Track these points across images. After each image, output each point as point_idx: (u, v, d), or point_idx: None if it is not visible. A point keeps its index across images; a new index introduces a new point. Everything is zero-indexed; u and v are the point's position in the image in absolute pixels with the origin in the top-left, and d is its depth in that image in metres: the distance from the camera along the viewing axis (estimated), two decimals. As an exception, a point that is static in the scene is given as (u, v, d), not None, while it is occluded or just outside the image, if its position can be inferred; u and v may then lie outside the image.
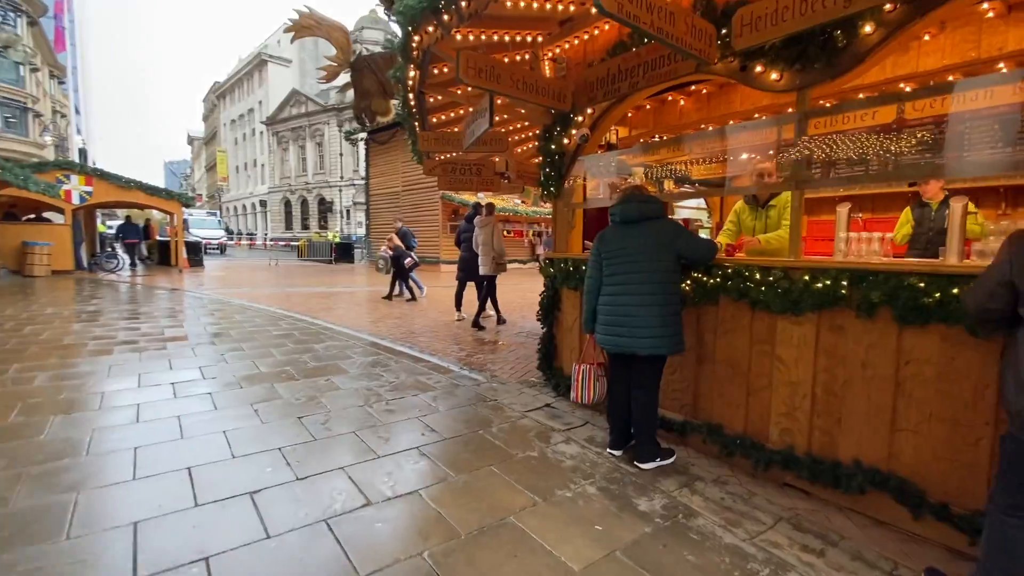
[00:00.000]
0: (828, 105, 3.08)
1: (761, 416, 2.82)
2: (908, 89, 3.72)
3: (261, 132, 47.87)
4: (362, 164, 35.33)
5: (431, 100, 4.76)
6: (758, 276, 2.74)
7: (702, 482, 2.70)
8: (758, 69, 2.68)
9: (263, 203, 48.01)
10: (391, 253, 9.90)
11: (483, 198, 23.60)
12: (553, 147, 4.02)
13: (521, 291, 11.93)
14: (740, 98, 4.92)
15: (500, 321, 7.62)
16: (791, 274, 2.63)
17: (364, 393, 4.05)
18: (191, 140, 78.95)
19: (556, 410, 3.81)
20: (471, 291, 7.85)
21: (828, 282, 2.48)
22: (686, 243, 2.81)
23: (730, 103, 4.99)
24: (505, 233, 20.60)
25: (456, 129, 5.07)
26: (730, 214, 4.07)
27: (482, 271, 7.17)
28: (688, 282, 3.04)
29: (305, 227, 42.70)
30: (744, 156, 3.03)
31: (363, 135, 21.78)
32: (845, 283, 2.43)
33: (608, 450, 3.01)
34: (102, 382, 4.17)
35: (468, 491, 2.54)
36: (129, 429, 3.20)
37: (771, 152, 2.89)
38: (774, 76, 2.64)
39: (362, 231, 37.48)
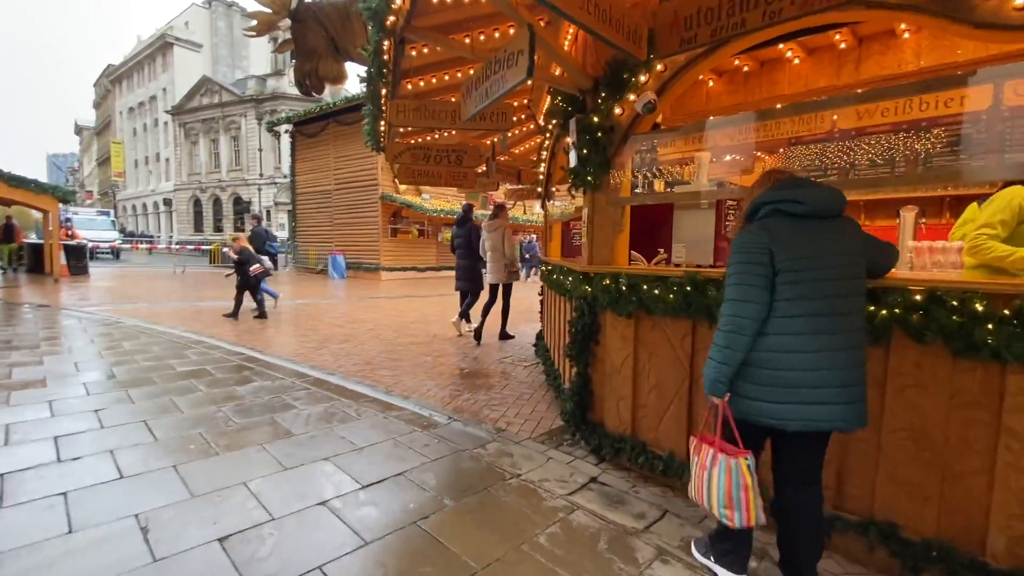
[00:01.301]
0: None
1: (969, 514, 1.89)
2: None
3: (166, 123, 42.78)
4: (285, 160, 32.38)
5: (413, 53, 3.50)
6: (978, 307, 1.80)
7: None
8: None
9: (167, 202, 42.89)
10: (235, 257, 7.77)
11: (488, 196, 22.01)
12: (596, 120, 2.92)
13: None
14: (788, 78, 4.11)
15: (477, 337, 6.49)
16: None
17: (319, 476, 2.72)
18: (79, 130, 69.61)
19: (610, 488, 2.70)
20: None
21: None
22: (875, 247, 1.81)
23: (774, 84, 4.17)
24: (445, 238, 19.32)
25: (452, 98, 3.83)
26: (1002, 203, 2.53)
27: (491, 279, 6.50)
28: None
29: (218, 229, 38.53)
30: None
31: (287, 127, 19.56)
32: None
33: (736, 576, 1.93)
34: None
35: None
36: None
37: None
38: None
39: (284, 233, 34.49)
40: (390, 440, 3.23)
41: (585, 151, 2.99)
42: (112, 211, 37.42)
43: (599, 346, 3.08)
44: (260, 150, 36.03)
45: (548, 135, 4.75)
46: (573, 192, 3.28)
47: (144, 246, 27.24)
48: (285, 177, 33.86)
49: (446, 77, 3.90)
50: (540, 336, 5.96)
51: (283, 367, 4.97)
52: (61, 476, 2.60)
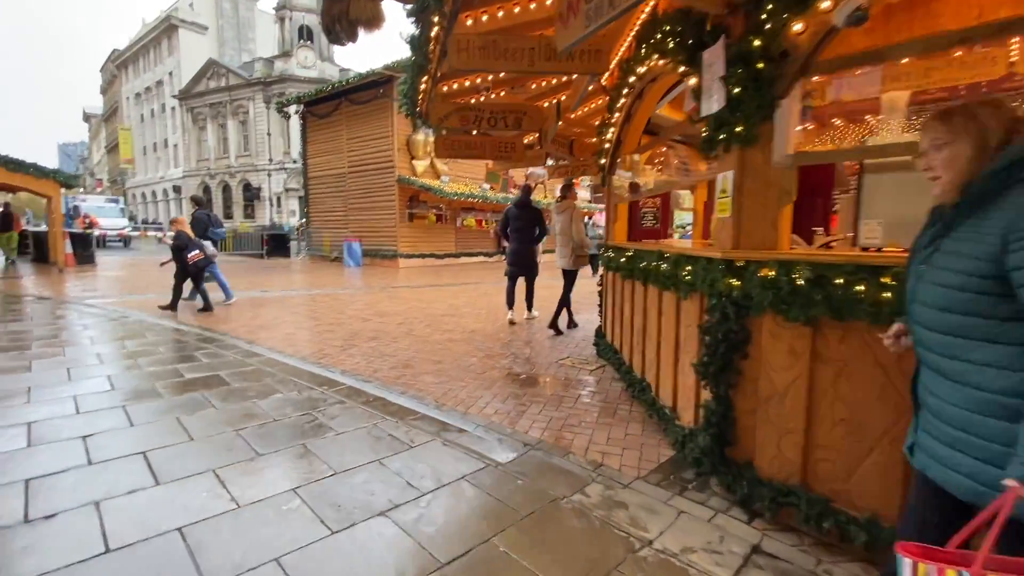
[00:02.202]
0: None
1: None
2: None
3: (173, 108, 42.06)
4: (295, 145, 31.55)
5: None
6: None
7: None
8: None
9: (177, 189, 42.38)
10: (172, 243, 6.95)
11: (538, 174, 21.10)
12: (757, 44, 2.07)
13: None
14: (952, 7, 3.20)
15: (555, 327, 6.03)
16: None
17: (378, 545, 1.95)
18: (87, 117, 69.22)
19: (787, 565, 1.91)
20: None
21: None
22: None
23: (932, 17, 3.26)
24: (463, 223, 18.48)
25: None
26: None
27: (560, 264, 6.04)
28: None
29: (228, 216, 37.99)
30: None
31: (296, 107, 18.69)
32: None
33: None
34: None
35: None
36: None
37: None
38: None
39: (294, 220, 33.82)
40: (460, 481, 2.46)
41: (739, 90, 2.14)
42: (122, 199, 37.03)
43: (749, 361, 2.27)
44: (269, 134, 35.26)
45: (626, 91, 3.89)
46: (708, 152, 2.43)
47: (153, 234, 26.70)
48: (295, 162, 33.10)
49: (516, 9, 3.04)
50: (600, 333, 5.16)
51: (309, 372, 4.22)
52: (27, 550, 1.86)
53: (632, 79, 3.67)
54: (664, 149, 5.98)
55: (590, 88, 3.75)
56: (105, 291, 8.97)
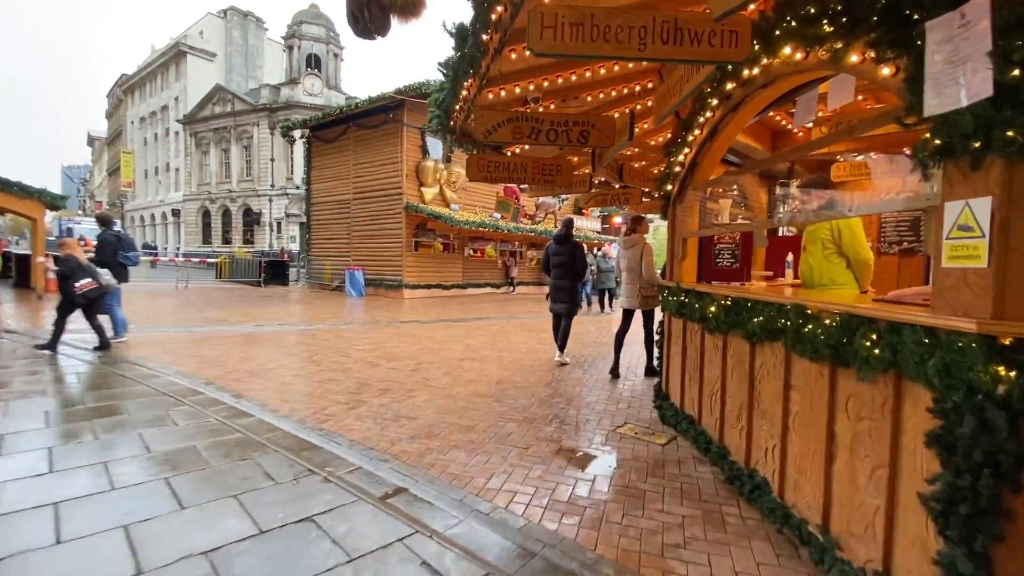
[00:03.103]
0: None
1: None
2: None
3: (177, 132, 41.98)
4: (298, 171, 31.14)
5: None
6: None
7: None
8: None
9: (176, 212, 41.84)
10: (53, 268, 6.02)
11: (549, 204, 20.49)
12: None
13: (533, 331, 9.03)
14: None
15: (620, 374, 5.62)
16: None
17: None
18: (91, 141, 69.43)
19: None
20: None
21: None
22: None
23: None
24: (472, 252, 17.77)
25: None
26: None
27: (625, 304, 5.61)
28: None
29: (227, 241, 37.35)
30: None
31: (302, 132, 18.21)
32: None
33: None
34: None
35: None
36: None
37: None
38: None
39: (295, 246, 33.14)
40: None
41: (1019, 72, 1.35)
42: (119, 221, 36.36)
43: (1034, 502, 1.40)
44: (272, 160, 34.98)
45: (715, 102, 3.15)
46: (928, 171, 1.63)
47: (146, 258, 25.92)
48: (298, 188, 32.66)
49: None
50: (663, 394, 4.28)
51: (309, 443, 3.32)
52: None
53: (730, 85, 2.93)
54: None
55: (684, 95, 2.98)
56: (82, 324, 8.07)
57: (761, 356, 2.77)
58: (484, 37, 2.54)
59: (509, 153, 4.64)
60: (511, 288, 18.71)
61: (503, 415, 4.13)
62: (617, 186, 5.79)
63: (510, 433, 3.72)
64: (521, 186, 20.00)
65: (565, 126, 3.22)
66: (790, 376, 2.50)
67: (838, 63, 2.08)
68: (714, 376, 3.34)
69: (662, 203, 4.35)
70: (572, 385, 5.21)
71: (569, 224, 6.19)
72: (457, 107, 3.50)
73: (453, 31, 2.81)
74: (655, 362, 5.76)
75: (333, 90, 35.74)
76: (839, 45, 2.02)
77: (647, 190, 6.10)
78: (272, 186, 35.19)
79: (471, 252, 17.41)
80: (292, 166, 34.47)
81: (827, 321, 2.15)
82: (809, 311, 2.28)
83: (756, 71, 2.68)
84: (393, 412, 4.11)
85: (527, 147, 4.59)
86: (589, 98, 3.88)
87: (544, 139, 3.20)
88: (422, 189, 15.42)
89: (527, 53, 2.76)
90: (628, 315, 5.71)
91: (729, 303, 3.03)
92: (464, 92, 3.26)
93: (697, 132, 3.52)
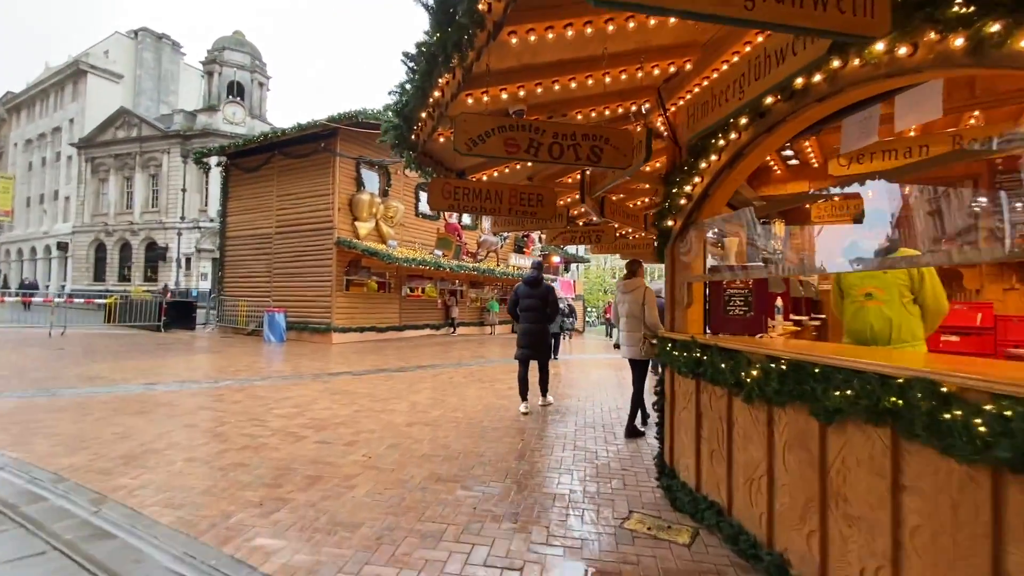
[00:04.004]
0: None
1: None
2: None
3: (70, 157, 37.54)
4: (214, 202, 28.51)
5: None
6: None
7: None
8: None
9: (63, 246, 36.88)
10: None
11: (491, 242, 19.87)
12: None
13: (485, 380, 8.10)
14: None
15: (634, 433, 5.01)
16: None
17: None
18: (-38, 163, 60.69)
19: None
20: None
21: None
22: None
23: None
24: (410, 292, 16.66)
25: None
26: None
27: (627, 354, 5.06)
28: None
29: (125, 278, 33.26)
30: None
31: (219, 159, 16.55)
32: None
33: None
34: None
35: None
36: None
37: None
38: None
39: (206, 284, 30.03)
40: None
41: None
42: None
43: None
44: (184, 190, 31.98)
45: (744, 120, 2.59)
46: None
47: (12, 299, 22.19)
48: (212, 220, 29.89)
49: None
50: (669, 471, 3.53)
51: (197, 595, 2.20)
52: None
53: (769, 100, 2.37)
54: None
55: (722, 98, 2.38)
56: None
57: (841, 440, 2.11)
58: (481, 6, 1.80)
59: (483, 178, 3.89)
60: (451, 329, 17.67)
61: (476, 510, 3.18)
62: (594, 220, 5.21)
63: (493, 540, 2.79)
64: (484, 220, 19.33)
65: (572, 140, 2.51)
66: (901, 474, 1.84)
67: (983, 55, 1.53)
68: (754, 458, 2.64)
69: (656, 241, 3.75)
70: (546, 452, 4.36)
71: (540, 266, 6.04)
72: (424, 114, 2.71)
73: (429, 3, 2.05)
74: (648, 419, 5.30)
75: (257, 119, 33.76)
76: (995, 28, 1.47)
77: (618, 227, 5.60)
78: (182, 218, 32.04)
79: (409, 291, 16.29)
80: (207, 197, 31.75)
81: (989, 407, 1.52)
82: (947, 389, 1.64)
83: (819, 76, 2.13)
84: (327, 517, 3.03)
85: (511, 168, 3.89)
86: (580, 116, 3.25)
87: (546, 155, 2.48)
88: (356, 224, 14.26)
89: (530, 38, 2.05)
90: (635, 364, 5.11)
91: (785, 367, 2.37)
92: (436, 93, 2.49)
93: (714, 157, 2.95)
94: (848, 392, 2.01)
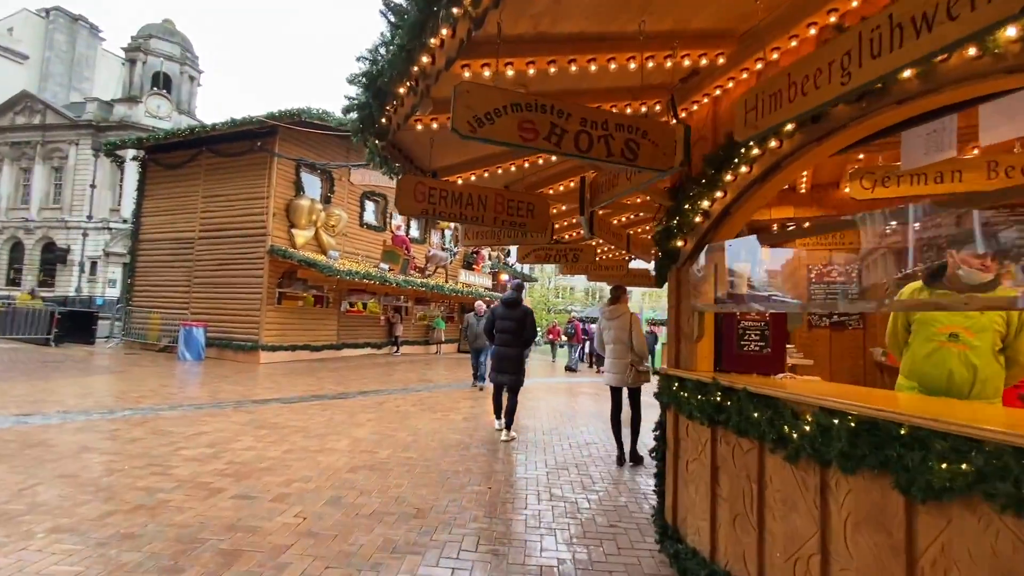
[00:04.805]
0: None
1: None
2: None
3: (-47, 142, 32.88)
4: (128, 202, 25.72)
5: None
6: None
7: None
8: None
9: (-63, 242, 31.96)
10: None
11: (440, 257, 19.07)
12: None
13: (434, 408, 7.33)
14: None
15: (634, 459, 4.96)
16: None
17: None
18: None
19: None
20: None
21: None
22: None
23: None
24: (350, 307, 15.52)
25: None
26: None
27: (614, 381, 4.94)
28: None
29: (13, 283, 29.21)
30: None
31: (136, 152, 14.83)
32: None
33: None
34: None
35: None
36: None
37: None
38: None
39: (114, 292, 26.95)
40: None
41: None
42: None
43: None
44: (93, 186, 28.80)
45: (788, 128, 2.18)
46: None
47: None
48: (126, 222, 26.94)
49: None
50: (672, 533, 3.01)
51: None
52: None
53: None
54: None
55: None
56: None
57: (940, 522, 1.67)
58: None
59: (458, 181, 3.27)
60: (395, 348, 16.62)
61: (448, 598, 2.49)
62: (566, 238, 4.73)
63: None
64: (433, 235, 18.39)
65: (604, 129, 1.95)
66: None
67: None
68: (800, 531, 2.17)
69: (658, 263, 3.29)
70: (520, 505, 3.73)
71: (520, 287, 5.82)
72: (403, 89, 2.09)
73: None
74: (623, 455, 4.98)
75: (185, 115, 31.20)
76: None
77: (600, 246, 5.17)
78: (89, 218, 28.77)
79: (349, 307, 15.15)
80: (120, 196, 28.76)
81: None
82: None
83: (909, 72, 1.73)
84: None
85: (491, 173, 3.29)
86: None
87: (571, 145, 1.91)
88: (293, 232, 13.07)
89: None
90: (617, 393, 5.06)
91: (854, 424, 1.92)
92: (425, 59, 1.88)
93: (744, 169, 2.53)
94: (962, 465, 1.57)
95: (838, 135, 2.19)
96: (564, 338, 17.38)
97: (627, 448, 4.95)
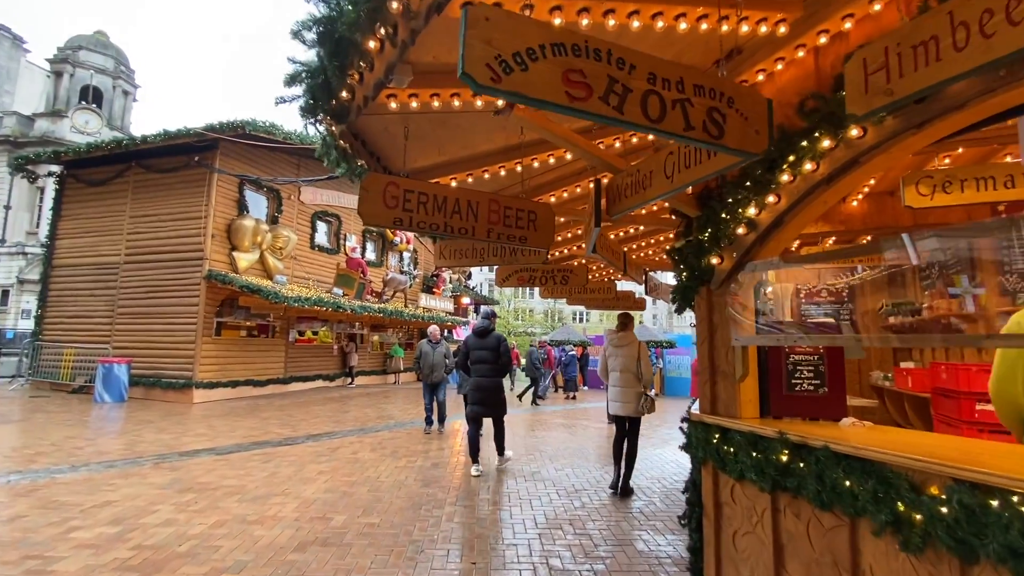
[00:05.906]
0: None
1: None
2: None
3: None
4: (46, 224, 23.29)
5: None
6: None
7: None
8: None
9: None
10: None
11: (399, 281, 18.19)
12: None
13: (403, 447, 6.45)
14: None
15: (626, 492, 4.76)
16: None
17: None
18: None
19: None
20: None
21: None
22: None
23: None
24: (299, 336, 14.31)
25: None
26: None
27: (621, 411, 4.66)
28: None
29: (-96, 314, 25.73)
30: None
31: (53, 169, 13.29)
32: None
33: None
34: None
35: None
36: None
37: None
38: None
39: (28, 324, 24.15)
40: None
41: None
42: None
43: None
44: (7, 207, 26.06)
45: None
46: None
47: None
48: (44, 246, 24.39)
49: None
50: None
51: None
52: None
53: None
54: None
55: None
56: None
57: None
58: None
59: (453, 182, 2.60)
60: (349, 380, 15.42)
61: None
62: (560, 255, 4.13)
63: None
64: (391, 257, 17.22)
65: (680, 91, 1.29)
66: None
67: None
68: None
69: (684, 285, 2.73)
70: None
71: (492, 315, 5.68)
72: (372, 43, 1.41)
73: None
74: (620, 483, 4.82)
75: (118, 131, 28.99)
76: None
77: (597, 266, 4.62)
78: (2, 241, 25.94)
79: (298, 336, 13.93)
80: (39, 217, 26.19)
81: None
82: None
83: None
84: None
85: (492, 174, 2.61)
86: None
87: (637, 112, 1.25)
88: (235, 255, 11.89)
89: None
90: (622, 423, 4.83)
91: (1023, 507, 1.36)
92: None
93: (808, 166, 2.01)
94: None
95: (946, 119, 1.70)
96: (523, 361, 16.39)
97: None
